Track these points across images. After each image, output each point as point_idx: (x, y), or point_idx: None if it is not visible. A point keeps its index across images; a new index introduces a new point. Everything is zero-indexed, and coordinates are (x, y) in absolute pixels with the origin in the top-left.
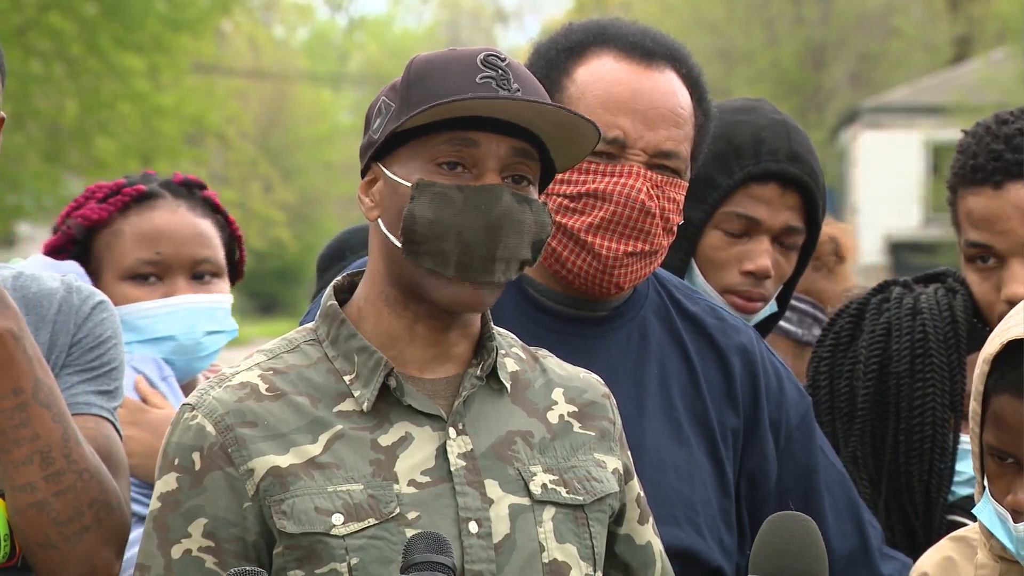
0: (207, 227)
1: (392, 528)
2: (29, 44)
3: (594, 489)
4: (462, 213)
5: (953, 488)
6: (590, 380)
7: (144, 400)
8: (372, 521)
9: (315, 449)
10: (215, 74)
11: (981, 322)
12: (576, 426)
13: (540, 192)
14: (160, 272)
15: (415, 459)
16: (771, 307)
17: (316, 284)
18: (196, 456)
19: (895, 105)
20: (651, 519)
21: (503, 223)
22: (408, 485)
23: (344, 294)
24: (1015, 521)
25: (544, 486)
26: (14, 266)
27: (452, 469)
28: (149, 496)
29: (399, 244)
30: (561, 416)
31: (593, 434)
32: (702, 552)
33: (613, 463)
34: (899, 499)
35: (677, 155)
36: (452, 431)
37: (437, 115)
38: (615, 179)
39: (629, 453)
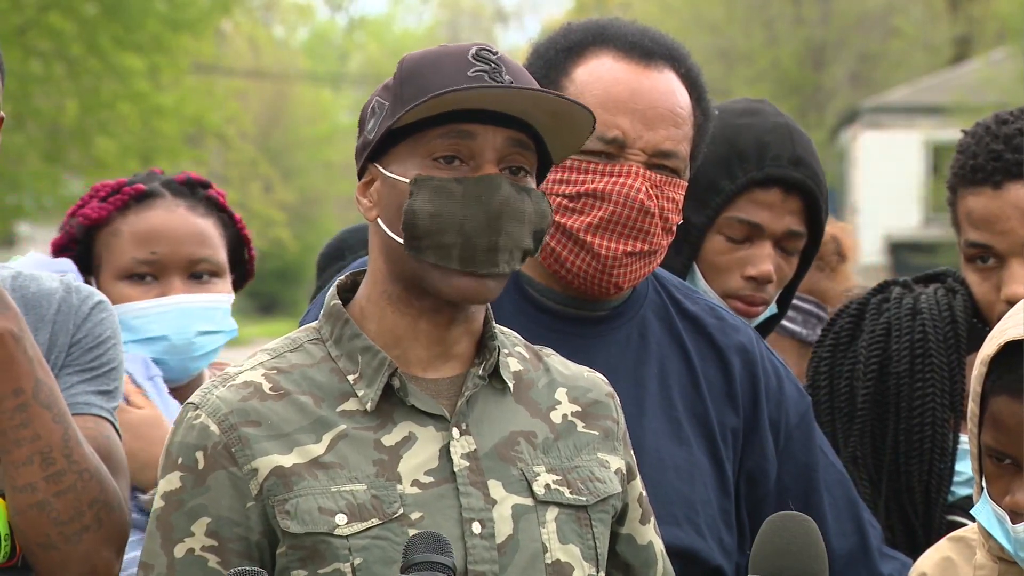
0: (206, 226)
1: (395, 528)
2: (29, 44)
3: (597, 490)
4: (462, 205)
5: (953, 488)
6: (594, 379)
7: (125, 400)
8: (375, 521)
9: (318, 449)
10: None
11: (981, 322)
12: (580, 426)
13: (537, 184)
14: (156, 272)
15: (418, 459)
16: (771, 308)
17: (316, 284)
18: (200, 455)
19: (895, 105)
20: (653, 519)
21: (504, 212)
22: (411, 485)
23: (347, 293)
24: (1013, 522)
25: (547, 486)
26: (13, 265)
27: (455, 469)
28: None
29: (401, 241)
30: (564, 416)
31: (596, 434)
32: (702, 552)
33: (616, 463)
34: (899, 499)
35: (676, 155)
36: (455, 431)
37: (431, 109)
38: (614, 179)
39: (632, 452)
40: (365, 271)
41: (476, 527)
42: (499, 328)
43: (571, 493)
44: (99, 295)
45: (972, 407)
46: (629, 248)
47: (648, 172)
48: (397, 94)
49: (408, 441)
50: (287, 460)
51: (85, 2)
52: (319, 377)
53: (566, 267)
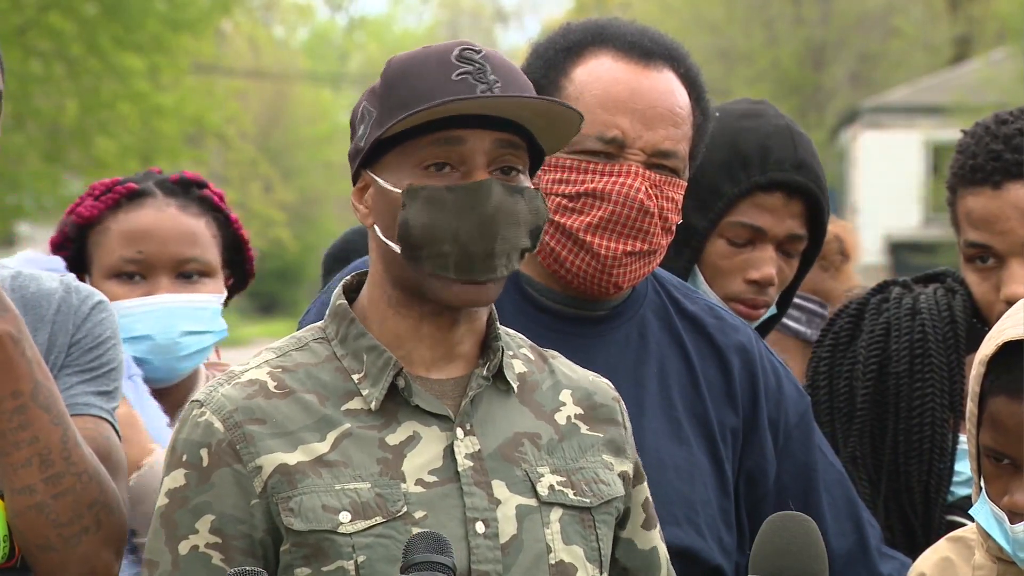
0: (196, 226)
1: (399, 527)
2: (29, 44)
3: (601, 492)
4: (455, 214)
5: (952, 488)
6: (599, 383)
7: None
8: (379, 519)
9: (323, 447)
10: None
11: (980, 322)
12: (584, 428)
13: (532, 175)
14: (143, 271)
15: (423, 459)
16: (771, 309)
17: (321, 284)
18: (204, 452)
19: (895, 105)
20: (658, 526)
21: (497, 218)
22: (416, 484)
23: (353, 293)
24: (1012, 522)
25: (551, 487)
26: (10, 263)
27: (459, 469)
28: None
29: (398, 250)
30: (569, 417)
31: (601, 436)
32: (702, 551)
33: (620, 466)
34: (898, 499)
35: (675, 154)
36: (460, 431)
37: (418, 119)
38: (614, 179)
39: (639, 456)
40: (368, 271)
41: (480, 527)
42: (505, 330)
43: (575, 494)
44: (99, 295)
45: (970, 407)
46: (629, 248)
47: (647, 172)
48: (384, 101)
49: (412, 440)
50: (291, 458)
51: (85, 2)
52: (324, 376)
53: (566, 267)
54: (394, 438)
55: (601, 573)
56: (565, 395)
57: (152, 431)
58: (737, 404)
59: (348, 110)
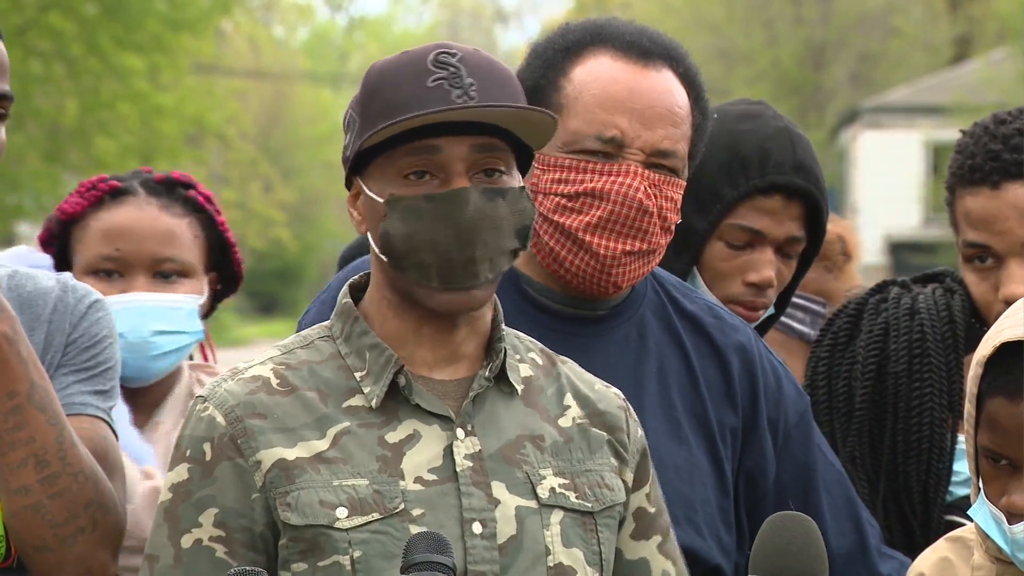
0: (177, 226)
1: (396, 524)
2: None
3: (604, 497)
4: (432, 224)
5: (951, 488)
6: (606, 392)
7: None
8: (376, 516)
9: (322, 444)
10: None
11: (979, 322)
12: (591, 432)
13: (526, 170)
14: (120, 268)
15: (422, 457)
16: (769, 309)
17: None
18: (207, 447)
19: (895, 105)
20: (656, 539)
21: (475, 225)
22: (414, 482)
23: (360, 292)
24: (1010, 523)
25: (552, 490)
26: (7, 263)
27: (458, 469)
28: None
29: (385, 259)
30: (574, 420)
31: (606, 437)
32: (701, 551)
33: (625, 473)
34: (897, 499)
35: (674, 154)
36: (460, 432)
37: (393, 129)
38: (612, 178)
39: (650, 466)
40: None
41: (477, 527)
42: (516, 334)
43: (577, 498)
44: (95, 294)
45: (968, 408)
46: (628, 247)
47: (646, 171)
48: (364, 110)
49: (412, 439)
50: (290, 453)
51: (85, 2)
52: (326, 373)
53: (565, 267)
54: (394, 436)
55: None
56: (570, 399)
57: (127, 449)
58: (736, 404)
59: (348, 108)
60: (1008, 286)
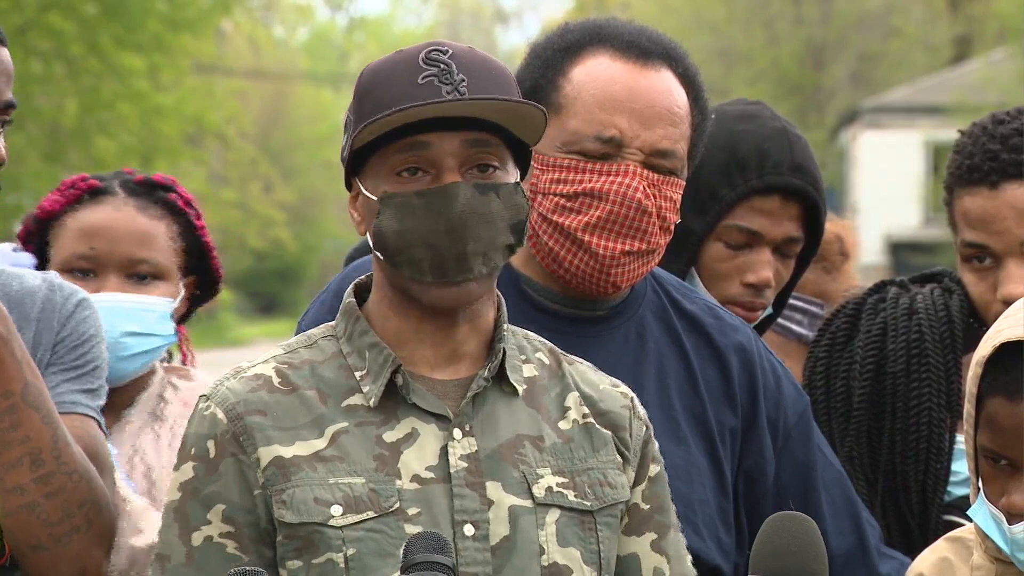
0: (153, 228)
1: (391, 522)
2: (29, 44)
3: (605, 495)
4: (424, 219)
5: (949, 488)
6: (610, 392)
7: None
8: (371, 514)
9: (320, 443)
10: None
11: (977, 322)
12: (594, 431)
13: (524, 168)
14: (94, 267)
15: (419, 456)
16: (767, 310)
17: None
18: (211, 444)
19: (895, 105)
20: (649, 535)
21: (466, 220)
22: (411, 481)
23: (366, 293)
24: (1009, 523)
25: (549, 489)
26: None
27: (452, 471)
28: None
29: (381, 257)
30: (576, 421)
31: (609, 435)
32: (700, 551)
33: (628, 471)
34: (895, 499)
35: (674, 154)
36: (458, 432)
37: (384, 127)
38: (612, 178)
39: (650, 464)
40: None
41: (468, 529)
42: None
43: (575, 496)
44: (82, 293)
45: (968, 408)
46: (627, 247)
47: (645, 171)
48: (357, 110)
49: (410, 438)
50: (288, 451)
51: (85, 2)
52: (328, 373)
53: (564, 267)
54: (392, 435)
55: (600, 575)
56: (572, 399)
57: None
58: (736, 404)
59: (346, 110)
60: (1006, 286)
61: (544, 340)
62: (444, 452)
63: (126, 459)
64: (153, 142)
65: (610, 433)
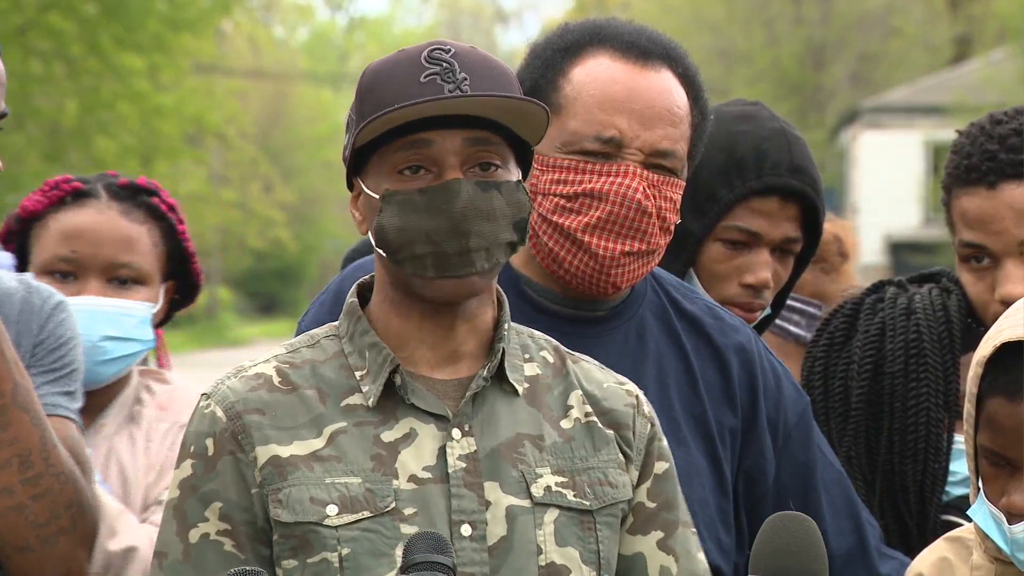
0: (136, 232)
1: (387, 522)
2: (29, 44)
3: (605, 495)
4: (426, 215)
5: (947, 488)
6: (617, 390)
7: None
8: (366, 514)
9: (318, 442)
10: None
11: (975, 322)
12: (596, 430)
13: (526, 168)
14: (76, 270)
15: (417, 456)
16: (765, 310)
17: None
18: (209, 442)
19: (895, 105)
20: (656, 534)
21: (468, 216)
22: (408, 481)
23: (369, 293)
24: (1010, 523)
25: (548, 488)
26: None
27: (450, 471)
28: None
29: (383, 254)
30: (578, 420)
31: (611, 434)
32: None
33: (631, 470)
34: (893, 499)
35: (674, 154)
36: (457, 432)
37: (385, 125)
38: (611, 179)
39: (659, 462)
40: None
41: (465, 529)
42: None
43: (575, 496)
44: (59, 295)
45: (968, 408)
46: (627, 248)
47: (645, 172)
48: (359, 109)
49: (408, 438)
50: (285, 451)
51: (85, 2)
52: (328, 373)
53: (564, 267)
54: (390, 435)
55: (600, 575)
56: (575, 398)
57: None
58: (736, 404)
59: (348, 110)
60: (1004, 286)
61: (550, 339)
62: (442, 452)
63: (101, 461)
64: (153, 142)
65: (612, 432)
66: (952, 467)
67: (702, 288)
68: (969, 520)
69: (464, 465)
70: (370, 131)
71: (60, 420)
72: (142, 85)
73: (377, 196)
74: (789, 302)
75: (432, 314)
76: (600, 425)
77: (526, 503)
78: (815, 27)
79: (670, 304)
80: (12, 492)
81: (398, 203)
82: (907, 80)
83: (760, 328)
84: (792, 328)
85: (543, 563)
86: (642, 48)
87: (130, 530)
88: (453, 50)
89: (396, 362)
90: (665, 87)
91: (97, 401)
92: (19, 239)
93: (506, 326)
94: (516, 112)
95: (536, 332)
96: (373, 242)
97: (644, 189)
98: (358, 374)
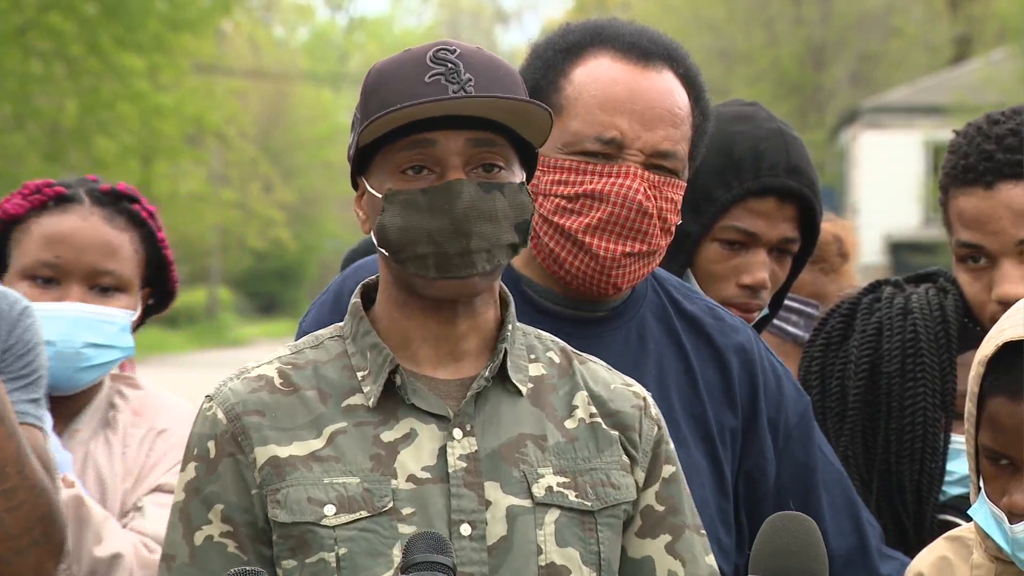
0: (118, 239)
1: (384, 522)
2: (29, 44)
3: (607, 496)
4: (428, 215)
5: (944, 488)
6: (623, 391)
7: None
8: (364, 514)
9: (318, 443)
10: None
11: (972, 322)
12: (600, 431)
13: (530, 170)
14: (58, 276)
15: (416, 456)
16: (763, 310)
17: None
18: (211, 444)
19: (895, 105)
20: (664, 538)
21: (470, 216)
22: (407, 481)
23: (374, 293)
24: (1011, 522)
25: (549, 489)
26: None
27: (450, 470)
28: None
29: (386, 253)
30: (582, 420)
31: (617, 436)
32: None
33: (636, 472)
34: (890, 499)
35: (675, 155)
36: (458, 432)
37: (389, 124)
38: (612, 179)
39: (663, 465)
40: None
41: (465, 528)
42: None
43: (576, 496)
44: (25, 300)
45: (969, 407)
46: (627, 249)
47: (646, 173)
48: (363, 110)
49: (408, 438)
50: (284, 451)
51: (85, 2)
52: (330, 373)
53: (565, 268)
54: (390, 435)
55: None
56: (580, 398)
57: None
58: (736, 405)
59: (348, 110)
60: (1001, 286)
61: (557, 340)
62: (442, 452)
63: (78, 467)
64: (153, 142)
65: (617, 433)
66: (949, 467)
67: (699, 288)
68: (966, 519)
69: (464, 465)
70: (374, 130)
71: (29, 428)
72: (142, 85)
73: (380, 195)
74: (787, 302)
75: (434, 313)
76: (604, 426)
77: (527, 503)
78: (815, 27)
79: (671, 304)
80: None
81: (400, 203)
82: (907, 80)
83: (758, 328)
84: (790, 328)
85: (543, 563)
86: (643, 49)
87: (115, 537)
88: (459, 51)
89: (396, 362)
90: (666, 88)
91: (70, 407)
92: None
93: (511, 326)
94: (520, 114)
95: (544, 333)
96: (375, 241)
97: (645, 190)
98: (360, 374)
